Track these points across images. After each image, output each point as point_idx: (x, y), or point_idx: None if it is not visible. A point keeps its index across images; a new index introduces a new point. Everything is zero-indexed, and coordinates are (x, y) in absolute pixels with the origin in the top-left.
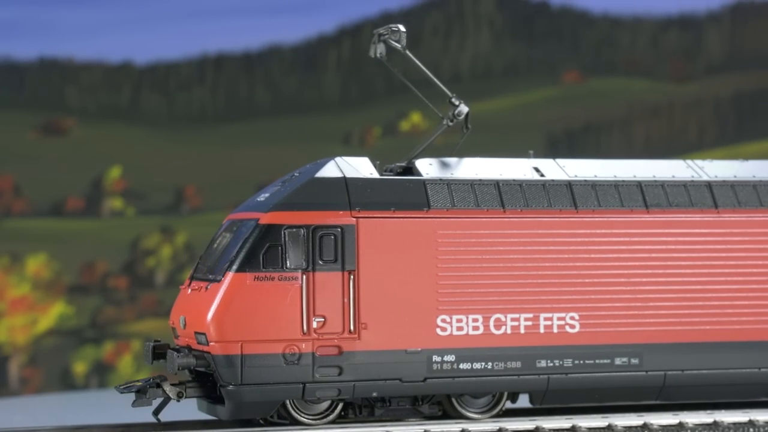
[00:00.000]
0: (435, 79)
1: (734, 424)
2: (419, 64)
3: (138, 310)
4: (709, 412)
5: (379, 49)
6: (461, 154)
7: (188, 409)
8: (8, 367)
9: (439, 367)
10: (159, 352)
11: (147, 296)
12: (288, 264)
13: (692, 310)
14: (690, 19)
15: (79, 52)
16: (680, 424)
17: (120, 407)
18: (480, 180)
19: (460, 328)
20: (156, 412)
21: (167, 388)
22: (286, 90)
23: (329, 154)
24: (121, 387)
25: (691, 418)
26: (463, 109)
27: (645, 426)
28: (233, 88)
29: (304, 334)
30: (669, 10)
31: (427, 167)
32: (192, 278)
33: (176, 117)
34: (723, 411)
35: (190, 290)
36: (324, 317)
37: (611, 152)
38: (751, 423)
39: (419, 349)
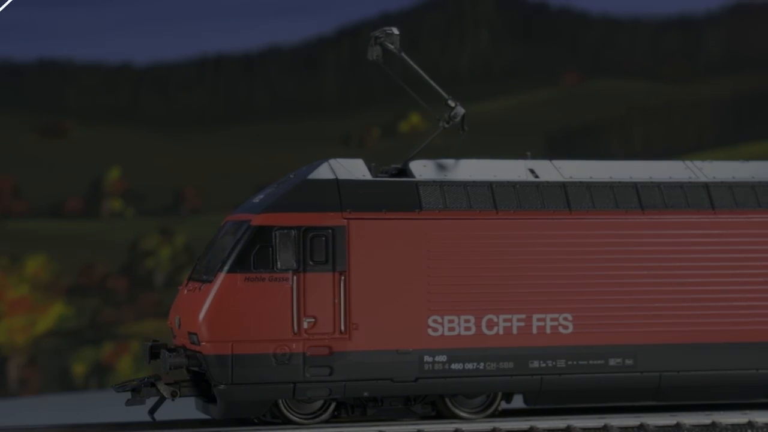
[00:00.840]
0: (431, 81)
1: (732, 425)
2: (415, 66)
3: (137, 311)
4: (707, 413)
5: (376, 52)
6: (458, 155)
7: (187, 408)
8: (7, 368)
9: (430, 368)
10: (156, 352)
11: (146, 297)
12: (278, 265)
13: (688, 311)
14: (689, 20)
15: (79, 53)
16: (677, 425)
17: (119, 407)
18: (473, 181)
19: (451, 329)
20: (151, 411)
21: (161, 387)
22: (286, 91)
23: (328, 156)
24: (117, 386)
25: (689, 418)
26: (459, 110)
27: (642, 426)
28: (232, 89)
29: (294, 334)
30: (668, 12)
31: (421, 169)
32: (189, 279)
33: (175, 118)
34: (721, 412)
35: (186, 291)
36: (315, 318)
37: (610, 153)
38: (750, 424)
39: (410, 350)
